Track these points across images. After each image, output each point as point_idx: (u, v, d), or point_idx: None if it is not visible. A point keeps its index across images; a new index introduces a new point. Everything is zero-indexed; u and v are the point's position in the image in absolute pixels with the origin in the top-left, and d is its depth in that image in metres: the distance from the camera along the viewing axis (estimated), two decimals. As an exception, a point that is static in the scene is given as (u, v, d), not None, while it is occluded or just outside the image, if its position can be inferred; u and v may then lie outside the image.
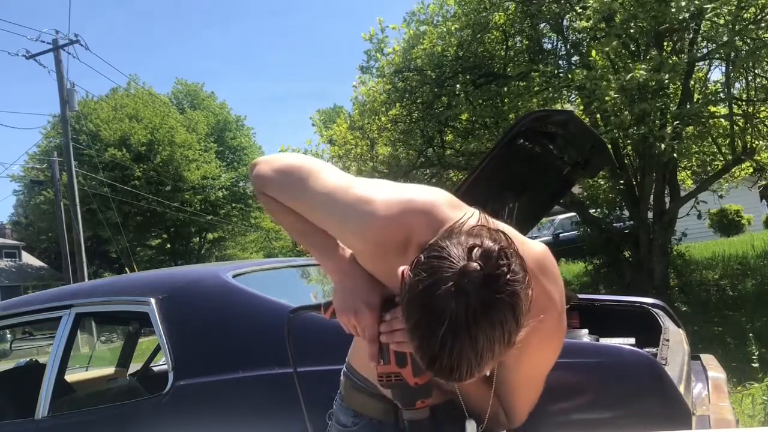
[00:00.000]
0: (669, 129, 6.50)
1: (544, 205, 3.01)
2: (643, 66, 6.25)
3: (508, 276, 0.89)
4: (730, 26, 6.56)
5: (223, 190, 32.97)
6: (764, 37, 6.64)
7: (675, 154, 6.89)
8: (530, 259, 1.00)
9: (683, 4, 6.13)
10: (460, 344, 0.88)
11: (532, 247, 1.09)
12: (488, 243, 0.92)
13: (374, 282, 1.13)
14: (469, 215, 1.01)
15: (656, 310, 2.58)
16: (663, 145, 6.43)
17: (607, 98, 6.31)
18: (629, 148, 8.08)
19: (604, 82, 6.50)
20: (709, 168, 9.22)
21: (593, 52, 7.45)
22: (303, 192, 1.15)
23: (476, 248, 0.91)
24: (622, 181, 8.34)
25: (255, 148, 36.55)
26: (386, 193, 1.10)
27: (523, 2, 8.13)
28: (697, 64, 7.84)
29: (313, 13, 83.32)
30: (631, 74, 6.20)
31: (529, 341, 1.05)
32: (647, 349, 1.86)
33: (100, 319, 4.81)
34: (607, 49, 7.18)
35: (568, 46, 8.63)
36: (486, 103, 8.82)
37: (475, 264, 0.89)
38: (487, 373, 0.95)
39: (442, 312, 0.88)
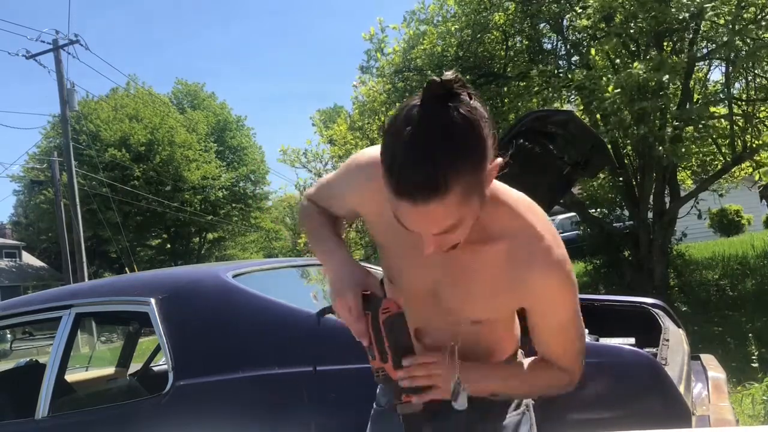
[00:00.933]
0: (669, 130, 6.49)
1: (543, 205, 3.01)
2: (641, 66, 6.24)
3: (470, 102, 0.97)
4: (730, 26, 6.55)
5: (223, 190, 32.98)
6: (764, 37, 6.63)
7: (674, 159, 6.87)
8: (521, 199, 1.20)
9: (683, 3, 6.12)
10: (421, 145, 0.93)
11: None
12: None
13: (366, 271, 1.19)
14: None
15: (656, 310, 2.58)
16: (662, 148, 6.41)
17: (606, 94, 6.29)
18: (629, 147, 8.07)
19: (604, 79, 6.49)
20: (709, 168, 9.21)
21: (593, 51, 7.43)
22: (328, 186, 1.34)
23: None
24: (621, 178, 8.33)
25: (255, 148, 36.54)
26: None
27: (523, 2, 8.12)
28: (697, 64, 7.83)
29: (313, 13, 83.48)
30: (629, 70, 6.19)
31: (531, 276, 1.14)
32: (647, 349, 1.86)
33: (100, 319, 4.82)
34: (607, 47, 7.16)
35: (568, 46, 8.62)
36: (486, 103, 8.80)
37: (437, 78, 0.95)
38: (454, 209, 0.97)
39: (406, 121, 0.95)
